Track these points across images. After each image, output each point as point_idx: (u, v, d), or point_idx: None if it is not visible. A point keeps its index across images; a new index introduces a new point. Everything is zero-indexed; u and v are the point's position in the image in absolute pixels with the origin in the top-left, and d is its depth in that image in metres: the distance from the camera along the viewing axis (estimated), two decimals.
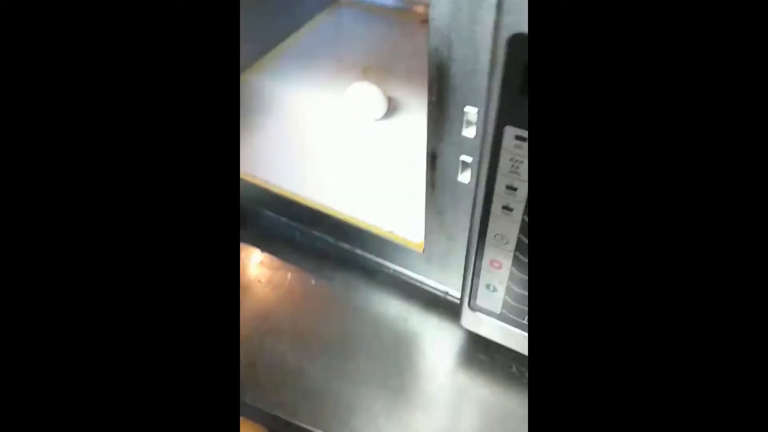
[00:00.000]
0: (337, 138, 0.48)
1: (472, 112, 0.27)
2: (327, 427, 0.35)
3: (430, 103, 0.28)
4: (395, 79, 0.53)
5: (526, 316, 0.32)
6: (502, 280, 0.31)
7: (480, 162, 0.26)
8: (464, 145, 0.29)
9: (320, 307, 0.41)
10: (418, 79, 0.54)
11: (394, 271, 0.42)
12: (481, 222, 0.28)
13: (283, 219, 0.46)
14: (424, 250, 0.37)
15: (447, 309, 0.41)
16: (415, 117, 0.50)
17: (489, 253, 0.30)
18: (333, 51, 0.58)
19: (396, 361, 0.38)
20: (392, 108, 0.50)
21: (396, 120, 0.50)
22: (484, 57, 0.24)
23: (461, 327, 0.39)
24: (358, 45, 0.59)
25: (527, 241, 0.27)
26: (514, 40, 0.21)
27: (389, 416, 0.35)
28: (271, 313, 0.41)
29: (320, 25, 0.62)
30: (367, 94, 0.49)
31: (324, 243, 0.45)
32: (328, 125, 0.50)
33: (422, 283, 0.41)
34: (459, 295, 0.39)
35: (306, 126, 0.49)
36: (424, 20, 0.63)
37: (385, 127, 0.49)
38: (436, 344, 0.39)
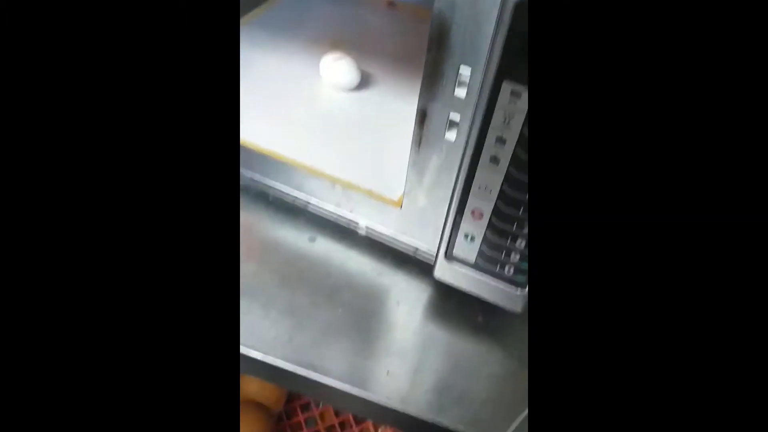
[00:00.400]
0: (310, 104, 0.50)
1: (466, 72, 0.30)
2: (309, 365, 0.37)
3: (426, 62, 0.31)
4: (364, 54, 0.55)
5: (499, 264, 0.35)
6: (480, 230, 0.34)
7: (474, 115, 0.29)
8: (455, 103, 0.32)
9: (296, 262, 0.43)
10: (387, 57, 0.56)
11: (369, 227, 0.44)
12: (468, 172, 0.32)
13: (257, 176, 0.47)
14: (402, 207, 0.40)
15: (416, 266, 0.44)
16: (386, 90, 0.52)
17: (472, 203, 0.33)
18: (300, 25, 0.60)
19: (372, 311, 0.41)
20: (364, 81, 0.53)
21: (368, 92, 0.52)
22: (486, 21, 0.27)
23: (431, 282, 0.42)
24: (324, 22, 0.61)
25: (509, 191, 0.31)
26: (520, 6, 0.24)
27: (367, 356, 0.38)
28: (243, 268, 0.42)
29: (284, 1, 0.64)
30: (341, 65, 0.51)
31: (297, 200, 0.47)
32: (301, 92, 0.51)
33: (394, 240, 0.44)
34: (429, 253, 0.42)
35: (278, 91, 0.51)
36: (390, 2, 0.66)
37: (357, 98, 0.51)
38: (409, 296, 0.42)
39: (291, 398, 0.79)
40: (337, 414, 0.78)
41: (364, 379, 0.37)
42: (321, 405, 0.80)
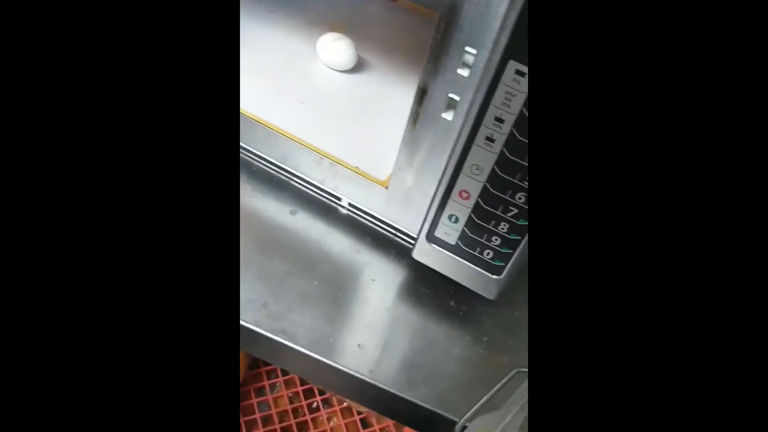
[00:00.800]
0: (304, 81, 0.50)
1: (471, 52, 0.31)
2: (281, 331, 0.37)
3: (434, 39, 0.32)
4: (362, 40, 0.56)
5: (479, 249, 0.36)
6: (465, 211, 0.35)
7: (474, 95, 0.30)
8: (456, 83, 0.32)
9: (275, 232, 0.43)
10: (384, 45, 0.57)
11: (352, 205, 0.45)
12: (461, 152, 0.32)
13: (244, 144, 0.47)
14: (388, 186, 0.40)
15: (394, 248, 0.44)
16: (381, 76, 0.53)
17: (460, 184, 0.34)
18: (301, 6, 0.60)
19: (347, 286, 0.41)
20: (360, 65, 0.53)
21: (363, 75, 0.53)
22: (499, 1, 0.28)
23: (407, 264, 0.43)
24: (326, 5, 0.61)
25: (500, 172, 0.32)
26: None
27: (339, 328, 0.38)
28: None
29: None
30: (338, 45, 0.51)
31: (281, 172, 0.47)
32: (296, 68, 0.51)
33: (376, 220, 0.44)
34: (409, 236, 0.43)
35: (273, 64, 0.51)
36: None
37: (352, 80, 0.52)
38: (384, 276, 0.42)
39: (246, 381, 0.78)
40: (291, 401, 0.78)
41: (335, 350, 0.37)
42: (276, 390, 0.79)
